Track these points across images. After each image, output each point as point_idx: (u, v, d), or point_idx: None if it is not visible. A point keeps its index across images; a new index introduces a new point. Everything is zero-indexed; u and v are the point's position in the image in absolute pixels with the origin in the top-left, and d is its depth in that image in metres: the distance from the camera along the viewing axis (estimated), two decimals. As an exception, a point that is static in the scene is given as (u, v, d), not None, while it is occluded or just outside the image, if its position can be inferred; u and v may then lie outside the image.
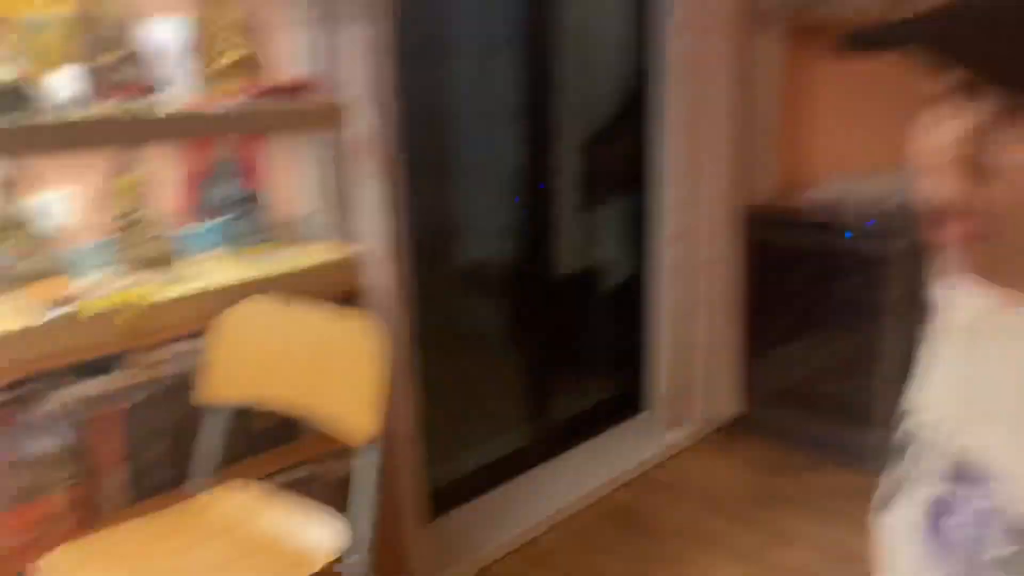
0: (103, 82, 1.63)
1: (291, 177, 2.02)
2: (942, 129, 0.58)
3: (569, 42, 2.80)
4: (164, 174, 1.81)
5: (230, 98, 1.79)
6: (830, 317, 2.98)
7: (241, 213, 1.89)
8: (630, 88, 3.07)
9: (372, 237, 2.08)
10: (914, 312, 2.70)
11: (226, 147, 1.89)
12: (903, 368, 2.49)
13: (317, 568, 1.41)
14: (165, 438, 1.70)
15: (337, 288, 1.86)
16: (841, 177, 3.08)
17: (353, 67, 1.98)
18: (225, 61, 1.81)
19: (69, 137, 1.52)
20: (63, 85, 1.55)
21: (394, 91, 2.08)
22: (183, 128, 1.67)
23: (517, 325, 2.99)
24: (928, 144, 0.60)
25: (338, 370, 1.50)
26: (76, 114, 1.53)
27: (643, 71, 2.99)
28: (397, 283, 2.16)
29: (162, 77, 1.72)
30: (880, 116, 3.10)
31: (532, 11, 2.66)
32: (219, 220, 1.86)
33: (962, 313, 0.71)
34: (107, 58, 1.65)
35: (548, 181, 2.81)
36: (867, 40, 0.59)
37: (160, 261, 1.72)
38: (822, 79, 3.24)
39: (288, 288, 1.73)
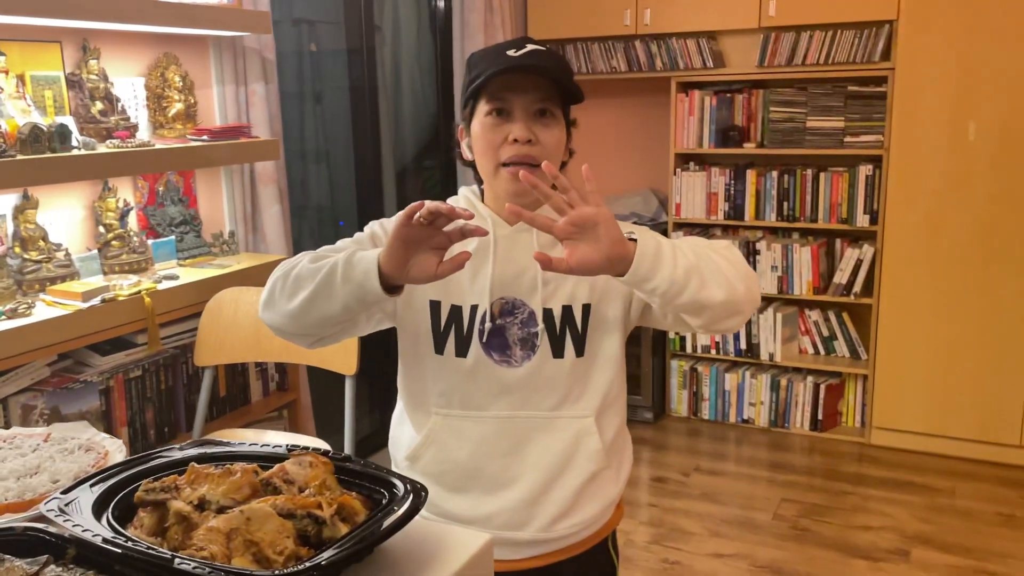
0: (95, 126, 2.08)
1: (216, 202, 2.53)
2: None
3: (387, 94, 3.53)
4: (128, 198, 2.26)
5: (180, 139, 2.30)
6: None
7: (186, 230, 2.37)
8: (433, 127, 3.86)
9: (277, 247, 2.64)
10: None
11: (170, 177, 2.37)
12: (657, 341, 3.68)
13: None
14: (155, 404, 2.14)
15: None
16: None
17: (257, 114, 2.56)
18: (171, 111, 2.32)
19: (83, 169, 1.97)
20: (69, 128, 1.99)
21: (280, 132, 2.67)
22: (163, 162, 2.15)
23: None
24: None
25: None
26: (88, 152, 1.98)
27: (443, 115, 3.80)
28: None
29: (130, 123, 2.19)
30: (616, 152, 4.17)
31: (358, 70, 3.36)
32: (171, 236, 2.33)
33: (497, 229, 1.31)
34: (95, 108, 2.10)
35: (371, 205, 3.48)
36: (478, 80, 1.21)
37: (141, 266, 2.17)
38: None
39: (240, 282, 2.26)
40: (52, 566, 0.80)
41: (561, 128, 1.29)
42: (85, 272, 2.09)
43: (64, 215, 2.13)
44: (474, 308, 1.29)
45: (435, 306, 1.30)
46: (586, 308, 1.30)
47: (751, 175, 3.67)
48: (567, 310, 1.30)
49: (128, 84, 2.26)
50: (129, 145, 2.06)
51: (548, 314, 1.29)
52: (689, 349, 3.90)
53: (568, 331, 1.30)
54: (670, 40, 3.68)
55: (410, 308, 1.31)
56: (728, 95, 3.69)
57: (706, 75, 3.68)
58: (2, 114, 1.87)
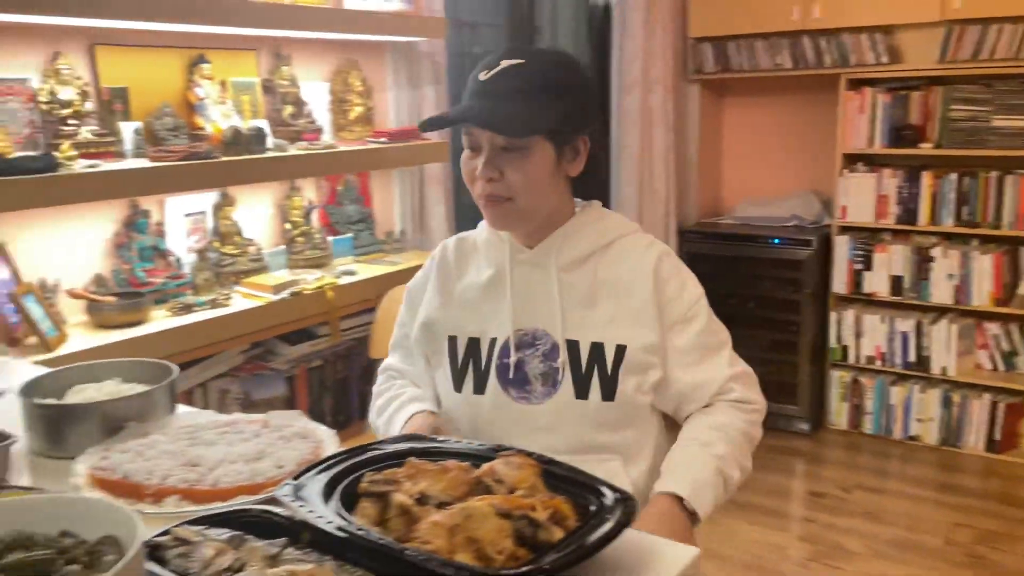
0: (285, 129, 2.21)
1: (387, 201, 2.64)
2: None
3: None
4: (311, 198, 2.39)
5: (360, 141, 2.40)
6: (756, 312, 3.81)
7: (361, 228, 2.48)
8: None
9: (443, 247, 2.71)
10: (819, 304, 3.53)
11: (348, 177, 2.49)
12: (816, 350, 3.50)
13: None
14: (332, 392, 2.25)
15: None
16: (750, 201, 3.97)
17: (427, 116, 2.63)
18: (352, 114, 2.43)
19: (277, 170, 2.09)
20: (265, 131, 2.12)
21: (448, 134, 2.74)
22: (345, 163, 2.26)
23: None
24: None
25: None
26: (281, 153, 2.11)
27: (601, 113, 3.79)
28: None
29: (316, 126, 2.31)
30: (776, 152, 4.03)
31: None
32: (349, 234, 2.44)
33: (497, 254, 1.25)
34: (286, 112, 2.23)
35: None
36: (432, 123, 1.18)
37: (323, 262, 2.29)
38: (730, 123, 4.16)
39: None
40: (290, 549, 0.86)
41: (536, 159, 1.19)
42: (273, 266, 2.22)
43: (255, 212, 2.28)
44: (493, 341, 1.23)
45: (452, 342, 1.25)
46: (620, 350, 1.19)
47: (927, 177, 3.46)
48: (597, 348, 1.19)
49: (313, 89, 2.39)
50: (316, 147, 2.18)
51: (573, 347, 1.19)
52: (852, 360, 3.72)
53: (596, 371, 1.19)
54: (841, 35, 3.52)
55: (432, 343, 1.28)
56: (903, 92, 3.49)
57: (880, 71, 3.49)
58: (208, 119, 2.02)
